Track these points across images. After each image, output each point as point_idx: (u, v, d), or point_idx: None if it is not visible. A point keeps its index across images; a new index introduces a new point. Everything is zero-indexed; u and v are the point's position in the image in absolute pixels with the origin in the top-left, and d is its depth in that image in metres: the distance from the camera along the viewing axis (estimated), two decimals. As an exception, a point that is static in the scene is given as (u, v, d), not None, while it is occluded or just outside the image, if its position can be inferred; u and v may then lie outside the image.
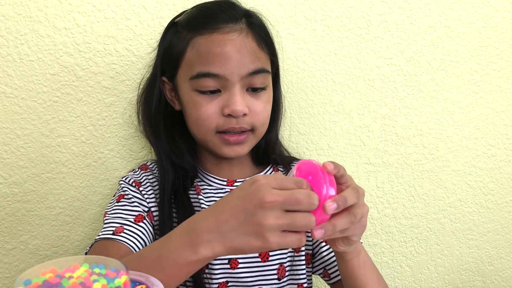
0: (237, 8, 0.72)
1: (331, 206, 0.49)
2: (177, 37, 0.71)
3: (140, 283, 0.44)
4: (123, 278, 0.35)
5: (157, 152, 0.76)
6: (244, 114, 0.69)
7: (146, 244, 0.69)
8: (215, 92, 0.68)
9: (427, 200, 1.01)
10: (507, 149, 1.01)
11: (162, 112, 0.75)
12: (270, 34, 0.74)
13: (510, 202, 1.04)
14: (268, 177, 0.50)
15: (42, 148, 0.86)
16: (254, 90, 0.70)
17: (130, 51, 0.85)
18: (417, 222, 1.02)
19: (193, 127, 0.73)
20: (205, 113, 0.69)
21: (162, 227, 0.71)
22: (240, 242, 0.49)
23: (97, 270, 0.36)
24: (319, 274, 0.82)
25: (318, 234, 0.50)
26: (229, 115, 0.68)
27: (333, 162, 0.52)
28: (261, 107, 0.70)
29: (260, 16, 0.74)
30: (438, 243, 1.03)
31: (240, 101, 0.67)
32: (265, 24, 0.74)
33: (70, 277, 0.34)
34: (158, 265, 0.52)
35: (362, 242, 0.71)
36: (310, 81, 0.92)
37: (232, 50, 0.67)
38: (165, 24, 0.85)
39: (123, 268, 0.36)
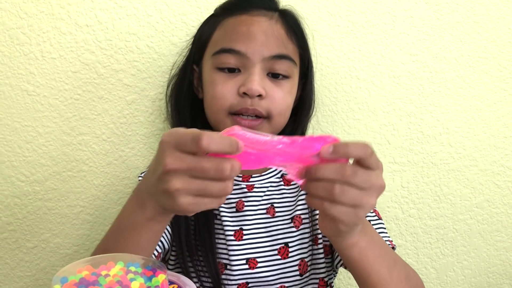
0: (274, 2, 0.73)
1: (327, 149, 0.45)
2: (211, 22, 0.73)
3: (172, 283, 0.43)
4: (160, 277, 0.34)
5: None
6: (260, 96, 0.66)
7: (161, 241, 0.68)
8: (234, 71, 0.68)
9: (453, 201, 0.98)
10: (536, 148, 0.98)
11: (190, 99, 0.76)
12: (303, 30, 0.74)
13: (539, 203, 1.01)
14: (171, 134, 0.45)
15: (63, 146, 0.85)
16: (275, 77, 0.68)
17: (151, 48, 0.84)
18: (443, 223, 0.99)
19: (208, 108, 0.72)
20: (221, 91, 0.67)
21: (177, 225, 0.70)
22: (164, 203, 0.47)
23: (132, 269, 0.34)
24: (341, 265, 0.79)
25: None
26: (244, 94, 0.66)
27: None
28: (280, 95, 0.68)
29: (295, 15, 0.74)
30: (464, 244, 1.00)
31: (257, 80, 0.66)
32: (299, 21, 0.74)
33: (107, 275, 0.33)
34: (120, 232, 0.52)
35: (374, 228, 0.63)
36: (333, 78, 0.90)
37: (258, 30, 0.67)
38: (187, 21, 0.84)
39: (160, 267, 0.35)
